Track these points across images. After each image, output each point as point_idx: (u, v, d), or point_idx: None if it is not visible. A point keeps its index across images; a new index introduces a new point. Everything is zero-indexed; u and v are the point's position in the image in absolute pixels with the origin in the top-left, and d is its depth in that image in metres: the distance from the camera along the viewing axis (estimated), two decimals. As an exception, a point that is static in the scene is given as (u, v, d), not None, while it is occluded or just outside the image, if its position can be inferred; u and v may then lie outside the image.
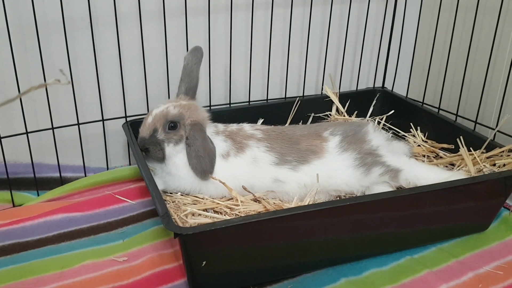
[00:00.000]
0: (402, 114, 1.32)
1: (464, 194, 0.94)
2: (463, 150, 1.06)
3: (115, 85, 1.17)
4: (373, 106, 1.38)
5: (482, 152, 1.05)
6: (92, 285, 0.86)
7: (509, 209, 1.06)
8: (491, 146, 1.06)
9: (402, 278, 0.88)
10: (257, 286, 0.86)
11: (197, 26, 1.21)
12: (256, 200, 1.03)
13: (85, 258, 0.93)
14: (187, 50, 1.16)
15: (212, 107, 1.29)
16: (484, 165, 1.01)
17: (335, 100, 1.35)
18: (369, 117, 1.38)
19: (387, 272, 0.90)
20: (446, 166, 1.12)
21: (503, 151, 1.01)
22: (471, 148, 1.07)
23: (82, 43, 1.11)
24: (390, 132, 1.30)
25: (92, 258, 0.93)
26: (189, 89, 1.14)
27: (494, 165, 1.01)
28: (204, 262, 0.79)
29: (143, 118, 1.10)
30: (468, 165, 1.01)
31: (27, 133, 1.06)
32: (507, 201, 1.09)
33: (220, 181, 1.02)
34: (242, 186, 1.04)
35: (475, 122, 1.14)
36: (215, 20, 1.23)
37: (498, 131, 1.09)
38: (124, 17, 1.13)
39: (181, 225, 0.89)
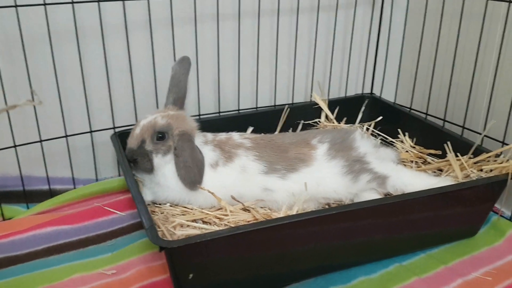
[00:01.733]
0: (390, 120, 1.33)
1: (451, 200, 0.94)
2: (450, 155, 1.07)
3: (103, 96, 1.17)
4: (362, 112, 1.39)
5: (470, 158, 1.06)
6: (79, 298, 0.86)
7: (498, 214, 1.07)
8: (479, 151, 1.07)
9: (391, 286, 0.88)
10: (246, 297, 0.86)
11: (184, 36, 1.22)
12: (245, 209, 1.04)
13: (74, 272, 0.93)
14: (175, 60, 1.17)
15: (201, 116, 1.30)
16: (472, 171, 1.01)
17: (324, 107, 1.36)
18: (358, 123, 1.38)
19: (375, 280, 0.90)
20: (434, 172, 1.12)
21: (489, 156, 1.01)
22: (458, 154, 1.08)
23: (69, 55, 1.11)
24: (379, 138, 1.31)
25: (81, 271, 0.93)
26: (177, 99, 1.15)
27: (482, 170, 1.02)
28: (191, 275, 0.79)
29: (131, 129, 1.11)
30: (456, 171, 1.02)
31: (15, 146, 1.06)
32: (497, 206, 1.10)
33: (209, 191, 1.03)
34: (231, 196, 1.04)
35: (463, 127, 1.15)
36: (202, 30, 1.24)
37: (485, 136, 1.09)
38: (110, 28, 1.14)
39: (169, 237, 0.89)
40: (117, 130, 1.19)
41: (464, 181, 1.02)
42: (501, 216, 1.07)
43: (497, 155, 1.02)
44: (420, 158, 1.18)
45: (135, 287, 0.89)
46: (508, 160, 0.99)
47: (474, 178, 1.01)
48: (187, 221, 0.97)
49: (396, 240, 0.95)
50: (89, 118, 1.15)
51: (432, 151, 1.16)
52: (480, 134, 1.10)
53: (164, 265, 0.94)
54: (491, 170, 0.99)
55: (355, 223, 0.89)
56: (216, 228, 0.96)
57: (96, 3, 1.07)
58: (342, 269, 0.93)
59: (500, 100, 1.11)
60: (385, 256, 0.95)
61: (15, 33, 1.01)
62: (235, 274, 0.84)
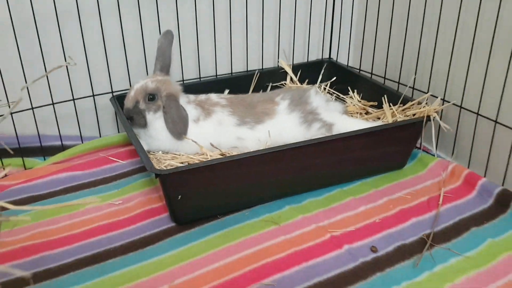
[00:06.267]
0: (344, 80, 1.56)
1: (381, 138, 1.19)
2: (385, 105, 1.32)
3: (102, 65, 1.39)
4: (322, 74, 1.62)
5: (399, 106, 1.32)
6: (95, 221, 1.10)
7: (422, 149, 1.33)
8: (408, 101, 1.32)
9: (332, 204, 1.15)
10: (222, 215, 1.13)
11: (167, 13, 1.43)
12: (222, 154, 1.29)
13: (88, 204, 1.19)
14: (160, 33, 1.38)
15: (184, 81, 1.51)
16: (400, 116, 1.27)
17: (289, 71, 1.59)
18: (319, 83, 1.63)
19: (321, 200, 1.17)
20: (374, 120, 1.38)
21: (413, 104, 1.27)
22: (390, 104, 1.34)
23: (73, 32, 1.32)
24: (334, 95, 1.56)
25: (94, 203, 1.19)
26: (164, 67, 1.35)
27: (408, 115, 1.28)
28: (179, 196, 1.05)
29: (126, 92, 1.33)
30: (387, 117, 1.28)
31: (32, 108, 1.29)
32: (425, 145, 1.37)
33: (193, 140, 1.27)
34: (210, 143, 1.29)
35: (398, 83, 1.41)
36: (182, 6, 1.43)
37: (415, 88, 1.35)
38: (106, 8, 1.34)
39: (161, 172, 1.14)
40: (114, 93, 1.41)
41: (388, 122, 1.27)
42: (424, 151, 1.35)
43: (419, 103, 1.28)
44: (364, 109, 1.43)
45: (137, 211, 1.15)
46: (424, 106, 1.24)
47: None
48: (175, 162, 1.23)
49: (339, 171, 1.21)
50: (91, 85, 1.37)
51: (373, 103, 1.42)
52: (410, 87, 1.36)
53: (159, 197, 1.20)
54: (413, 115, 1.24)
55: (305, 157, 1.14)
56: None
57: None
58: (296, 194, 1.19)
59: (428, 59, 1.35)
60: (329, 184, 1.21)
61: (29, 15, 1.23)
62: (213, 197, 1.10)
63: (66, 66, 1.31)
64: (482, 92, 1.18)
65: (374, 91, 1.43)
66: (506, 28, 1.09)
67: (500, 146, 1.17)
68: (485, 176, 1.21)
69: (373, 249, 0.99)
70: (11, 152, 0.79)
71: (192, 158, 1.26)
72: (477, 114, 1.20)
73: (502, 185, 1.17)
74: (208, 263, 0.98)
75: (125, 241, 1.05)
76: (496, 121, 1.16)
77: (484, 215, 1.10)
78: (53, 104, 1.31)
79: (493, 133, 1.18)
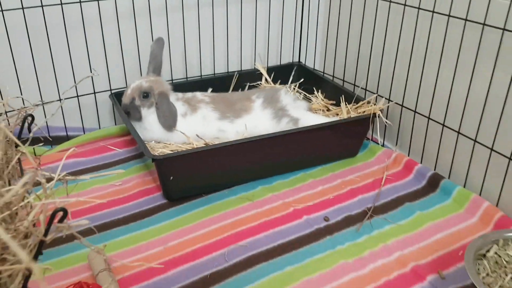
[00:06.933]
0: (310, 81, 1.79)
1: (336, 130, 1.43)
2: (342, 104, 1.58)
3: (102, 67, 1.59)
4: (292, 76, 1.86)
5: (353, 105, 1.57)
6: (100, 198, 1.33)
7: (372, 140, 1.60)
8: (360, 100, 1.57)
9: (296, 184, 1.39)
10: (206, 193, 1.36)
11: (159, 22, 1.62)
12: (206, 144, 1.52)
13: (93, 184, 1.41)
14: (152, 40, 1.59)
15: (173, 81, 1.73)
16: (353, 113, 1.53)
17: (264, 72, 1.82)
18: (289, 84, 1.87)
19: (288, 182, 1.41)
20: (334, 116, 1.63)
21: (364, 103, 1.54)
22: (346, 103, 1.59)
23: (78, 40, 1.52)
24: (302, 94, 1.81)
25: (98, 184, 1.41)
26: (156, 69, 1.55)
27: (359, 112, 1.54)
28: (171, 178, 1.29)
29: (123, 90, 1.55)
30: (343, 113, 1.54)
31: (42, 104, 1.50)
32: (375, 136, 1.63)
33: (181, 132, 1.49)
34: (196, 134, 1.52)
35: (354, 85, 1.67)
36: (172, 16, 1.64)
37: (366, 90, 1.61)
38: (106, 19, 1.54)
39: (155, 158, 1.37)
40: (113, 91, 1.61)
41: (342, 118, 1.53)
42: (374, 142, 1.61)
43: (369, 102, 1.54)
44: (325, 107, 1.68)
45: (135, 191, 1.37)
46: (372, 105, 1.50)
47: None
48: (167, 150, 1.46)
49: (302, 158, 1.45)
50: (93, 84, 1.58)
51: (333, 102, 1.68)
52: (363, 88, 1.62)
53: (153, 179, 1.42)
54: (363, 112, 1.51)
55: (274, 146, 1.38)
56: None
57: (96, 2, 1.50)
58: (267, 176, 1.42)
59: (377, 64, 1.60)
60: (295, 168, 1.44)
61: (41, 24, 1.43)
62: (199, 178, 1.33)
63: (72, 68, 1.52)
64: (418, 93, 1.45)
65: (334, 92, 1.68)
66: (439, 40, 1.35)
67: (433, 138, 1.44)
68: (421, 162, 1.48)
69: (326, 219, 1.25)
70: (50, 139, 1.00)
71: (180, 147, 1.48)
72: (415, 111, 1.47)
73: (434, 169, 1.44)
74: (195, 230, 1.22)
75: (126, 214, 1.27)
76: (429, 118, 1.43)
77: (417, 193, 1.37)
78: (60, 100, 1.52)
79: (427, 128, 1.44)
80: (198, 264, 1.10)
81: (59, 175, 0.64)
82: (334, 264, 1.10)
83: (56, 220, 0.61)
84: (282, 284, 1.04)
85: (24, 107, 1.16)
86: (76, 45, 1.53)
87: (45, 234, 0.59)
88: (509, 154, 1.20)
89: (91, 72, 1.54)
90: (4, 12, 1.38)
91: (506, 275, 0.96)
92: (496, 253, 1.02)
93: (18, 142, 0.68)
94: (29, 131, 0.86)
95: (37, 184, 0.72)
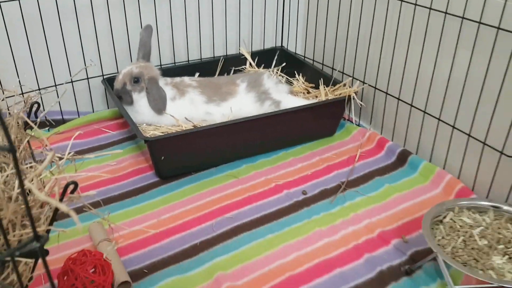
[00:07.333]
0: (292, 65, 1.89)
1: (315, 112, 1.55)
2: (321, 87, 1.69)
3: (95, 54, 1.68)
4: (275, 60, 1.96)
5: (331, 87, 1.69)
6: (97, 177, 1.43)
7: (348, 120, 1.72)
8: (337, 83, 1.68)
9: (278, 162, 1.51)
10: (195, 172, 1.47)
11: (148, 10, 1.70)
12: (194, 126, 1.63)
13: (89, 164, 1.52)
14: (141, 27, 1.67)
15: (162, 66, 1.83)
16: (331, 95, 1.65)
17: (248, 57, 1.92)
18: (272, 68, 1.97)
19: (270, 160, 1.52)
20: (313, 98, 1.74)
21: (340, 86, 1.65)
22: (325, 86, 1.71)
23: (71, 29, 1.60)
24: (284, 78, 1.91)
25: (95, 164, 1.52)
26: (145, 55, 1.64)
27: (336, 95, 1.65)
28: (162, 157, 1.40)
29: (114, 75, 1.65)
30: (322, 96, 1.66)
31: (39, 89, 1.59)
32: (352, 116, 1.76)
33: (171, 115, 1.60)
34: (185, 117, 1.63)
35: (332, 68, 1.78)
36: (160, 4, 1.72)
37: (344, 73, 1.73)
38: (98, 7, 1.62)
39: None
40: (105, 76, 1.71)
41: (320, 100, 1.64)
42: (350, 121, 1.73)
43: (345, 85, 1.65)
44: (306, 90, 1.80)
45: (129, 170, 1.48)
46: (348, 88, 1.62)
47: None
48: (158, 132, 1.57)
49: (284, 138, 1.57)
50: (86, 70, 1.67)
51: (312, 85, 1.79)
52: (340, 72, 1.73)
53: (146, 159, 1.53)
54: (340, 94, 1.63)
55: (259, 127, 1.49)
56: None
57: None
58: (251, 156, 1.55)
59: (352, 49, 1.71)
60: (277, 147, 1.56)
61: (36, 12, 1.51)
62: (188, 158, 1.45)
63: (66, 56, 1.61)
64: (389, 76, 1.56)
65: (314, 75, 1.79)
66: (407, 26, 1.46)
67: (402, 117, 1.57)
68: (392, 140, 1.61)
69: (304, 193, 1.38)
70: (53, 123, 1.10)
71: (170, 129, 1.59)
72: (386, 93, 1.59)
73: (404, 146, 1.57)
74: (185, 205, 1.34)
75: (122, 191, 1.39)
76: (399, 99, 1.55)
77: (387, 168, 1.50)
78: (55, 85, 1.61)
79: (397, 108, 1.57)
80: (188, 234, 1.23)
81: (69, 153, 0.74)
82: (310, 231, 1.23)
83: (68, 192, 0.72)
84: (263, 249, 1.18)
85: (29, 92, 1.25)
86: (70, 33, 1.61)
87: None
88: (468, 131, 1.34)
89: (85, 62, 1.63)
90: (1, 3, 1.45)
91: (459, 238, 1.11)
92: (451, 219, 1.16)
93: (34, 125, 0.78)
94: (36, 116, 0.96)
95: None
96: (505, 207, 1.16)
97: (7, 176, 0.70)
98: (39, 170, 0.61)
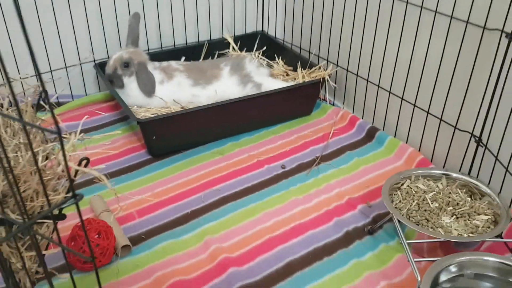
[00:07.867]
0: (272, 49, 2.03)
1: (293, 93, 1.69)
2: (299, 70, 1.84)
3: (86, 41, 1.78)
4: (256, 44, 2.08)
5: (308, 70, 1.84)
6: (94, 155, 1.57)
7: (324, 100, 1.88)
8: (313, 66, 1.83)
9: (260, 140, 1.65)
10: (184, 150, 1.62)
11: None
12: (182, 107, 1.76)
13: (87, 144, 1.64)
14: (130, 15, 1.79)
15: (149, 51, 1.94)
16: (307, 78, 1.79)
17: (231, 41, 2.03)
18: (254, 51, 2.10)
19: (252, 138, 1.66)
20: (292, 80, 1.89)
21: (316, 68, 1.80)
22: (302, 69, 1.85)
23: (63, 14, 1.70)
24: (265, 61, 2.04)
25: (92, 143, 1.64)
26: (134, 41, 1.76)
27: (312, 77, 1.80)
28: (154, 137, 1.54)
29: (106, 60, 1.76)
30: (299, 78, 1.80)
31: (36, 75, 1.69)
32: (329, 97, 1.91)
33: (160, 98, 1.73)
34: (173, 99, 1.76)
35: (309, 52, 1.92)
36: (146, -8, 1.85)
37: (320, 56, 1.87)
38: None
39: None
40: (96, 61, 1.82)
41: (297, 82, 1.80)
42: (325, 101, 1.89)
43: (320, 68, 1.80)
44: (285, 73, 1.94)
45: (123, 149, 1.61)
46: (322, 70, 1.77)
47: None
48: (148, 114, 1.70)
49: (265, 118, 1.72)
50: (78, 55, 1.77)
51: (291, 68, 1.93)
52: (315, 55, 1.88)
53: (138, 138, 1.67)
54: (315, 76, 1.78)
55: (241, 108, 1.63)
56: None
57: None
58: (235, 134, 1.69)
59: (327, 33, 1.85)
60: (259, 127, 1.69)
61: (32, 3, 1.61)
62: (177, 137, 1.59)
63: (60, 42, 1.71)
64: (359, 59, 1.71)
65: (292, 58, 1.93)
66: (374, 12, 1.60)
67: (371, 97, 1.73)
68: (362, 118, 1.77)
69: (283, 167, 1.54)
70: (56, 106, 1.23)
71: (160, 110, 1.72)
72: (357, 75, 1.74)
73: (372, 123, 1.74)
74: (175, 179, 1.48)
75: (118, 168, 1.53)
76: (367, 80, 1.71)
77: (357, 143, 1.67)
78: (51, 71, 1.72)
79: (366, 88, 1.73)
80: (180, 205, 1.38)
81: (80, 132, 0.87)
82: (287, 200, 1.40)
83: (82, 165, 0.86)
84: (247, 217, 1.34)
85: (25, 78, 1.37)
86: (63, 21, 1.71)
87: (74, 176, 0.84)
88: (427, 108, 1.51)
89: (77, 48, 1.73)
90: (-5, -7, 1.54)
91: (413, 201, 1.29)
92: (408, 185, 1.34)
93: (49, 108, 0.91)
94: (44, 102, 1.08)
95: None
96: (455, 175, 1.34)
97: (33, 153, 0.83)
98: (69, 144, 0.75)
